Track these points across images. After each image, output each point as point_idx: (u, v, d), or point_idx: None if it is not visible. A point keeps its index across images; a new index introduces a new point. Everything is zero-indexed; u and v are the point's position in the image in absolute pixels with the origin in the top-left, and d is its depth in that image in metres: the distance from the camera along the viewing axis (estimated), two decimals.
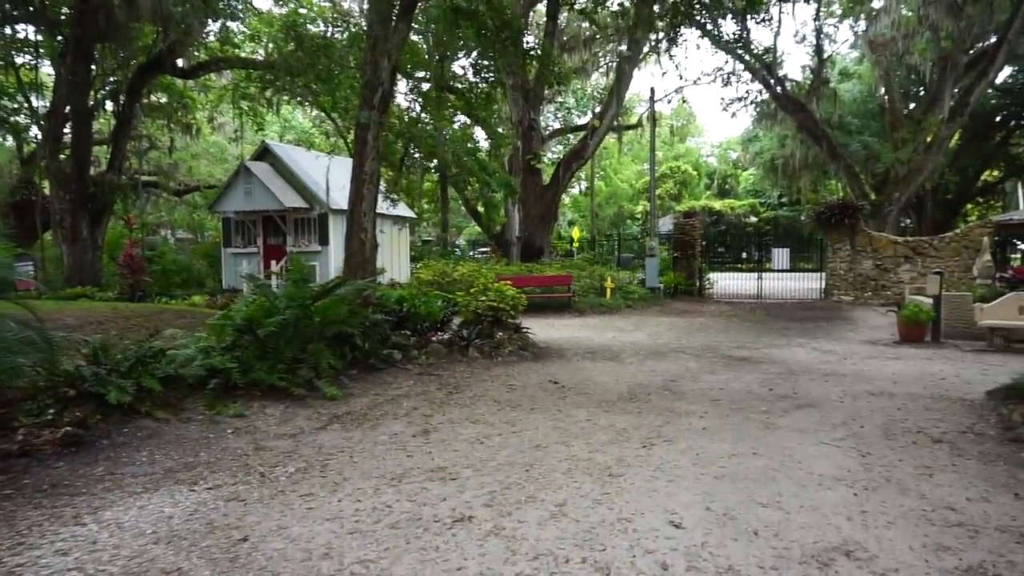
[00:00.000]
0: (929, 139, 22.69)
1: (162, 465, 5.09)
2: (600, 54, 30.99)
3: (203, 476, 4.84)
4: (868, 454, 5.40)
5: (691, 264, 20.86)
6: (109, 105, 22.84)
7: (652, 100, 23.09)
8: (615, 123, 26.22)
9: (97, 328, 9.14)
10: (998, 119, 29.57)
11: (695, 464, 5.11)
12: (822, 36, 26.17)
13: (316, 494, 4.47)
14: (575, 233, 38.84)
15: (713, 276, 22.32)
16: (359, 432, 6.07)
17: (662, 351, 10.85)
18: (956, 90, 22.63)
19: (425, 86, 26.75)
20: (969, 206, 36.47)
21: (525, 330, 11.06)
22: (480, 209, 35.68)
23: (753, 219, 43.92)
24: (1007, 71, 26.75)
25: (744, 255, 38.38)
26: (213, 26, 20.86)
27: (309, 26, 18.34)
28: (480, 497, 4.39)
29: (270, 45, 21.07)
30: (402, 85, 29.44)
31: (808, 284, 21.50)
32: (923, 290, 14.20)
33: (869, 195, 24.06)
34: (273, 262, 19.67)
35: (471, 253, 39.23)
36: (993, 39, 22.54)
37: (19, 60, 21.80)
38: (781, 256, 21.48)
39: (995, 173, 33.73)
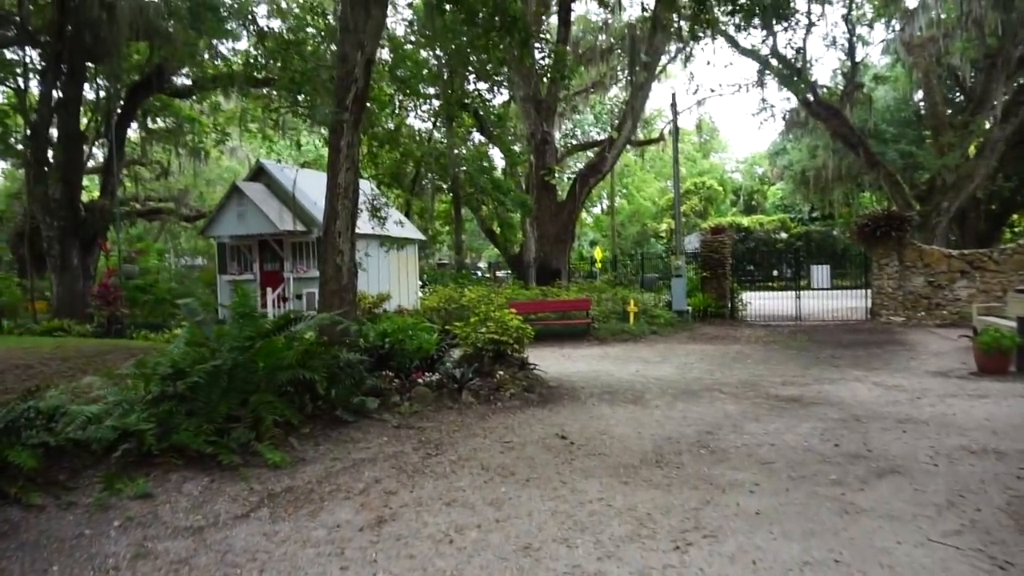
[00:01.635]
0: (979, 143, 20.80)
1: None
2: (618, 67, 29.66)
3: None
4: (1008, 564, 3.71)
5: (721, 284, 19.13)
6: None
7: (674, 106, 21.52)
8: (634, 135, 24.71)
9: (23, 373, 7.76)
10: None
11: None
12: (854, 37, 24.46)
13: None
14: (597, 254, 37.24)
15: (746, 296, 20.54)
16: (290, 523, 4.51)
17: (694, 389, 9.17)
18: (1006, 89, 20.77)
19: (436, 103, 25.63)
20: (1015, 216, 34.26)
21: (531, 366, 9.47)
22: (496, 229, 34.33)
23: (784, 235, 41.94)
24: None
25: (776, 273, 36.43)
26: (209, 42, 19.84)
27: (279, 22, 17.01)
28: None
29: (270, 61, 20.00)
30: (411, 103, 28.42)
31: (850, 303, 19.63)
32: (996, 310, 12.35)
33: (914, 206, 22.15)
34: (269, 289, 18.33)
35: (488, 276, 37.82)
36: None
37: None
38: (821, 273, 19.60)
39: None
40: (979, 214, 27.60)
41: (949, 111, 26.29)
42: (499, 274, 39.34)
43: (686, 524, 4.35)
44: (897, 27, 24.27)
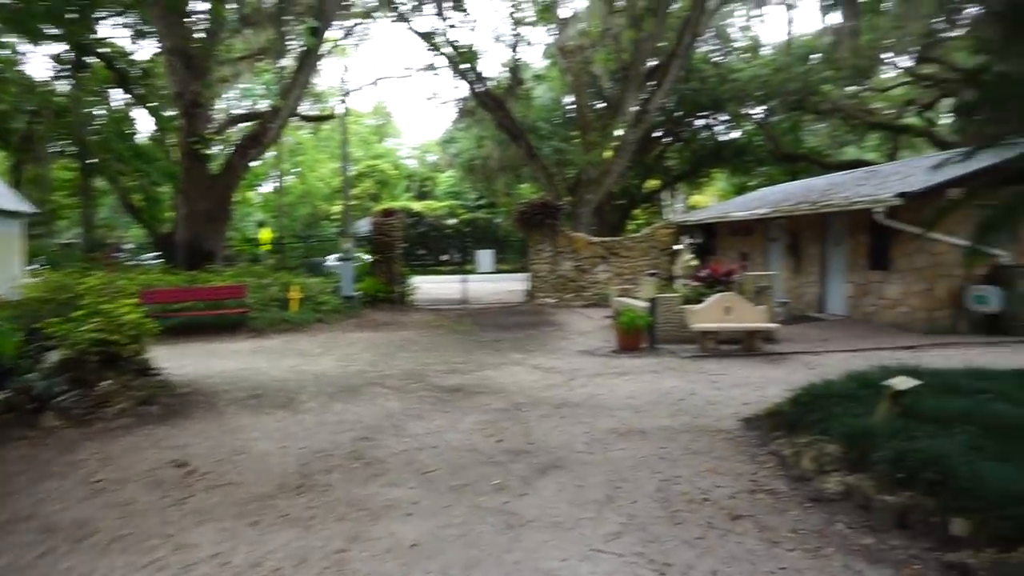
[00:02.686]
0: (616, 144, 23.53)
1: None
2: (288, 34, 27.44)
3: None
4: (667, 565, 3.47)
5: (392, 268, 18.66)
6: None
7: (345, 81, 20.37)
8: (303, 109, 22.97)
9: None
10: (656, 135, 32.80)
11: None
12: (519, 36, 26.00)
13: None
14: (264, 235, 34.43)
15: (416, 281, 20.43)
16: None
17: (355, 384, 8.29)
18: (636, 99, 23.79)
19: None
20: (637, 211, 40.36)
21: (155, 371, 7.67)
22: (143, 205, 29.62)
23: (452, 221, 43.64)
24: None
25: (446, 257, 37.64)
26: None
27: None
28: None
29: None
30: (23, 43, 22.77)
31: (511, 286, 20.71)
32: (630, 292, 13.75)
33: (564, 197, 24.29)
34: None
35: (108, 258, 32.37)
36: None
37: None
38: (485, 258, 20.31)
39: (655, 182, 37.69)
40: (612, 207, 31.66)
41: (594, 113, 29.56)
42: (141, 257, 34.06)
43: None
44: (554, 33, 26.37)
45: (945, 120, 31.98)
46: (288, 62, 25.51)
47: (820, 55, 27.24)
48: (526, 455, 5.38)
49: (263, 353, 10.99)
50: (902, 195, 10.58)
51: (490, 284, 20.84)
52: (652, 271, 12.43)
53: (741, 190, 34.66)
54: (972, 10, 20.73)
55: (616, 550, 3.68)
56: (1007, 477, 3.61)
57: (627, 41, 24.01)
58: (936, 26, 24.48)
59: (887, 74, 30.99)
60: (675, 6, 24.03)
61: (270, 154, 36.33)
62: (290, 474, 4.97)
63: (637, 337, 10.55)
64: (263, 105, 40.84)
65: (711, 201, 43.58)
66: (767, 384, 7.79)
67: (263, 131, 19.45)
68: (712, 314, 10.33)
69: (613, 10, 23.90)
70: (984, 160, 6.82)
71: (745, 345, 10.33)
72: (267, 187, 50.27)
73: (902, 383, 4.85)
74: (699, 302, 11.24)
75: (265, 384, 8.31)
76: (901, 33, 23.07)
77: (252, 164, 23.79)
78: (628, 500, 4.38)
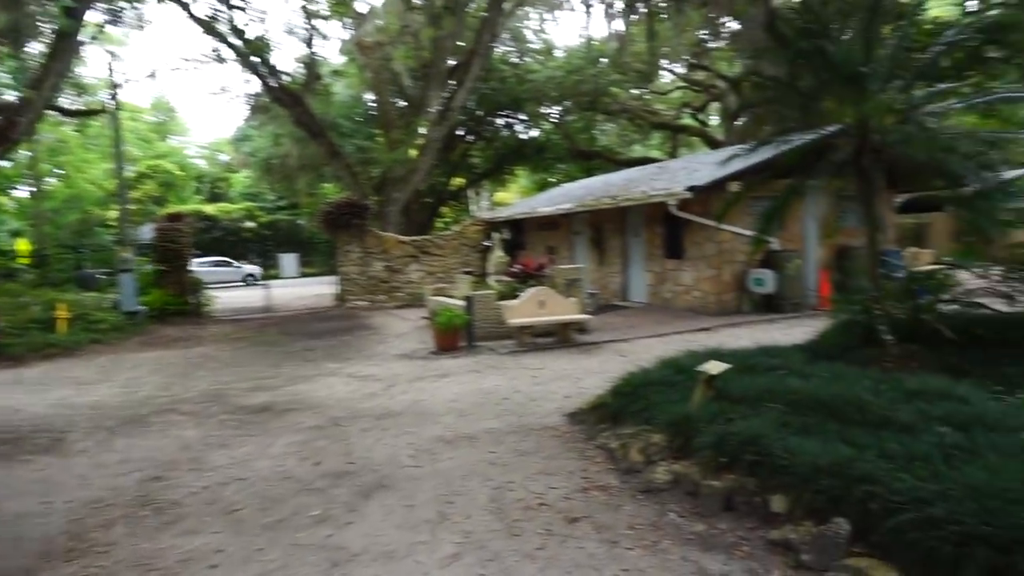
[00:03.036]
0: (421, 142, 23.26)
1: None
2: (38, 15, 23.77)
3: None
4: None
5: (182, 277, 16.86)
6: None
7: (113, 69, 18.02)
8: (57, 98, 20.02)
9: None
10: (460, 133, 33.10)
11: None
12: (313, 30, 24.77)
13: None
14: (21, 246, 29.74)
15: (213, 291, 18.68)
16: None
17: (142, 414, 7.22)
18: (439, 97, 23.67)
19: None
20: (445, 209, 40.52)
21: None
22: None
23: (251, 224, 40.89)
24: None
25: (245, 264, 35.13)
26: None
27: None
28: None
29: None
30: None
31: (319, 290, 19.68)
32: (445, 290, 13.54)
33: (370, 196, 23.57)
34: None
35: None
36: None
37: None
38: (289, 262, 19.08)
39: (460, 181, 38.11)
40: (419, 205, 31.39)
41: (397, 111, 29.03)
42: None
43: None
44: (350, 28, 25.43)
45: (714, 121, 35.67)
46: (39, 47, 22.15)
47: (608, 59, 29.04)
48: (348, 477, 4.92)
49: (22, 385, 9.29)
50: (691, 188, 11.42)
51: (297, 289, 19.68)
52: (467, 269, 12.33)
53: (543, 186, 36.05)
54: (736, 24, 23.22)
55: (456, 575, 3.39)
56: (813, 451, 3.83)
57: (427, 39, 23.80)
58: (704, 37, 27.16)
59: (665, 78, 33.89)
60: (472, 6, 24.25)
61: (24, 153, 31.64)
62: (56, 537, 4.09)
63: (455, 337, 10.36)
64: (10, 96, 35.37)
65: (515, 198, 44.92)
66: (585, 375, 7.94)
67: (10, 126, 16.65)
68: (527, 309, 10.43)
69: (411, 7, 23.57)
70: (759, 156, 7.45)
71: (560, 337, 10.55)
72: (23, 191, 43.66)
73: (713, 367, 5.06)
74: (514, 297, 11.32)
75: (21, 425, 6.96)
76: (675, 42, 25.13)
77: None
78: (462, 516, 4.12)
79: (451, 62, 24.17)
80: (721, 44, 26.72)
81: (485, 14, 22.65)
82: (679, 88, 34.24)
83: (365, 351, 11.04)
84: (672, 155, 31.92)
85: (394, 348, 11.15)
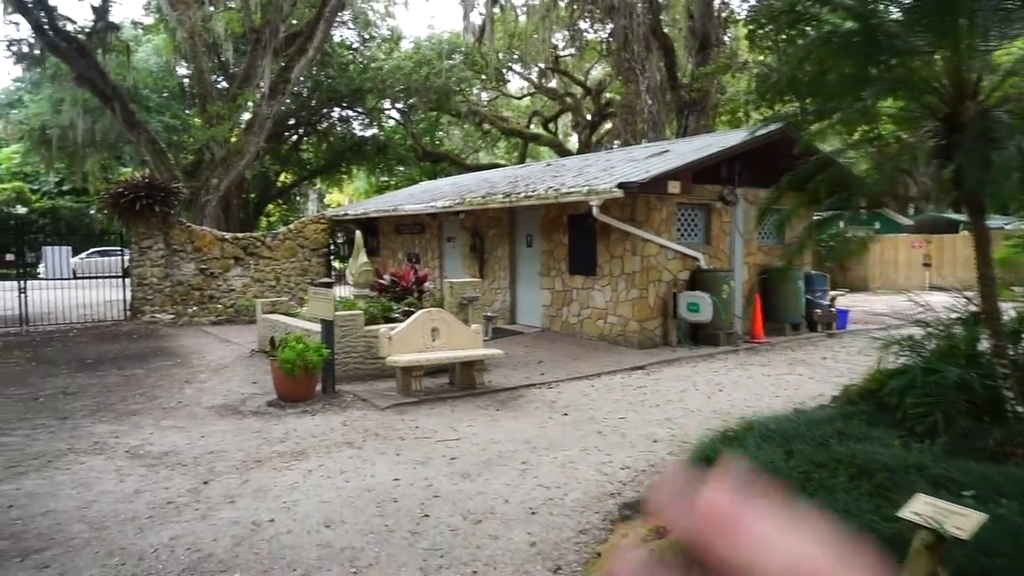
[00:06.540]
0: (249, 119, 19.11)
1: None
2: None
3: None
4: None
5: None
6: None
7: None
8: None
9: None
10: (291, 122, 28.94)
11: None
12: None
13: None
14: None
15: None
16: None
17: None
18: (273, 67, 19.66)
19: None
20: (271, 207, 35.68)
21: None
22: None
23: (22, 209, 33.37)
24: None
25: (9, 257, 28.08)
26: None
27: None
28: None
29: None
30: None
31: (111, 295, 14.75)
32: (284, 306, 9.95)
33: (181, 181, 18.97)
34: None
35: None
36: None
37: None
38: (58, 258, 14.08)
39: (290, 177, 33.70)
40: (241, 201, 26.71)
41: (217, 82, 24.28)
42: None
43: None
44: None
45: (563, 133, 34.36)
46: None
47: (461, 54, 26.58)
48: None
49: None
50: (623, 186, 8.89)
51: (76, 293, 14.80)
52: (325, 279, 8.94)
53: (382, 189, 32.73)
54: (606, 27, 21.61)
55: None
56: None
57: (256, 2, 19.70)
58: (563, 41, 25.55)
59: (517, 84, 32.10)
60: None
61: None
62: None
63: (309, 381, 6.96)
64: None
65: (346, 200, 40.88)
66: (534, 455, 5.06)
67: None
68: (415, 340, 7.33)
69: None
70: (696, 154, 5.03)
71: (461, 380, 7.55)
72: None
73: (937, 514, 2.43)
74: (389, 321, 8.19)
75: None
76: (537, 40, 23.00)
77: None
78: None
79: (291, 30, 20.30)
80: (580, 49, 25.21)
81: None
82: (530, 95, 32.53)
83: (162, 398, 7.29)
84: (522, 162, 29.87)
85: (211, 393, 7.50)
